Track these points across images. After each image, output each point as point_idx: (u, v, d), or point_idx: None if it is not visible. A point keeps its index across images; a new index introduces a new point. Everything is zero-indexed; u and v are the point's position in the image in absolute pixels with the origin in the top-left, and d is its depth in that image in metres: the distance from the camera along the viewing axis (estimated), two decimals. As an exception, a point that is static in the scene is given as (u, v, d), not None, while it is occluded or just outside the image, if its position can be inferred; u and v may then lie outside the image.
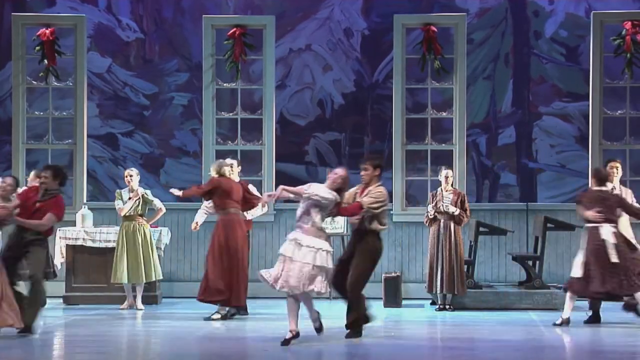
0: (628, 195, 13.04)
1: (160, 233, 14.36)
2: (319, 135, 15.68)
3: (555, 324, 12.15)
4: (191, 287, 14.15)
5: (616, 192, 12.78)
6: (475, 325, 12.49)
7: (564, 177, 15.37)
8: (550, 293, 13.90)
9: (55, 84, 15.81)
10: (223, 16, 15.69)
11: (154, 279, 13.93)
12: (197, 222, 13.37)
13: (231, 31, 15.51)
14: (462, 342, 11.34)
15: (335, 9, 15.71)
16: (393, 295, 14.17)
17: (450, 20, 15.53)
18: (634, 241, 12.33)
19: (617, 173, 13.13)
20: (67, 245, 14.25)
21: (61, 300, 14.28)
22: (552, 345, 11.12)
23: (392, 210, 15.34)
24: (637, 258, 12.07)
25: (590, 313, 12.50)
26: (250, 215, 13.24)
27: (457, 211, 13.65)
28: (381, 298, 14.24)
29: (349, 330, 11.16)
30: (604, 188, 12.24)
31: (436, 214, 13.65)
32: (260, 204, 13.12)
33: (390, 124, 15.55)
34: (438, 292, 13.62)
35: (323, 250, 10.56)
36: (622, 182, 13.57)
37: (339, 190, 10.75)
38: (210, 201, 12.87)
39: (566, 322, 12.13)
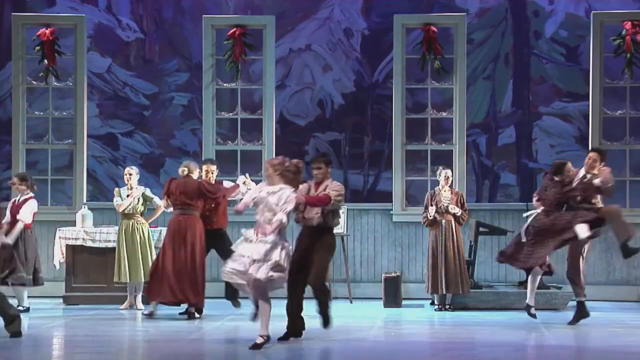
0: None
1: (160, 233, 14.34)
2: (319, 135, 15.68)
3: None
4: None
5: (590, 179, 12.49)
6: (475, 325, 12.48)
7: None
8: (550, 293, 13.90)
9: (55, 84, 15.82)
10: (223, 16, 15.69)
11: (153, 279, 13.91)
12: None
13: (231, 31, 15.51)
14: (462, 342, 11.35)
15: (335, 9, 15.71)
16: (393, 295, 14.17)
17: (450, 20, 15.53)
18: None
19: (594, 163, 12.65)
20: (67, 245, 14.25)
21: (61, 300, 14.28)
22: (552, 345, 11.12)
23: (392, 210, 15.35)
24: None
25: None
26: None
27: (459, 212, 13.67)
28: (381, 298, 14.25)
29: (323, 324, 11.15)
30: (556, 178, 12.30)
31: (436, 214, 13.65)
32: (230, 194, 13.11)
33: (390, 124, 15.55)
34: (444, 292, 13.61)
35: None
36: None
37: (291, 179, 10.64)
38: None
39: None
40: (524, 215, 12.83)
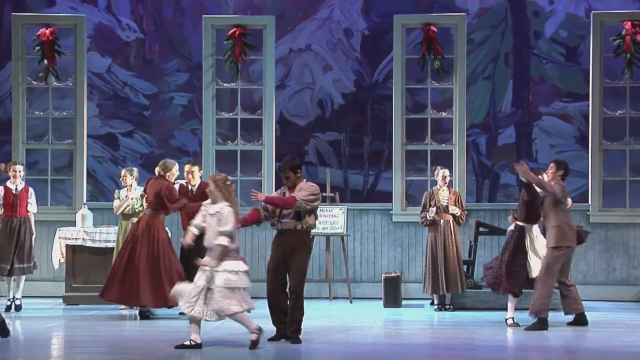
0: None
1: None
2: (319, 135, 15.68)
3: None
4: (191, 287, 14.13)
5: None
6: (475, 325, 12.48)
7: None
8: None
9: (55, 84, 15.82)
10: (223, 16, 15.69)
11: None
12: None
13: (231, 31, 15.51)
14: (462, 342, 11.35)
15: (335, 9, 15.71)
16: (393, 295, 14.16)
17: (450, 20, 15.53)
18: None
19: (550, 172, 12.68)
20: (66, 245, 14.24)
21: (61, 300, 14.28)
22: (552, 345, 11.11)
23: (392, 210, 15.35)
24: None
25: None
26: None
27: (458, 212, 13.68)
28: (381, 298, 14.25)
29: (292, 335, 10.81)
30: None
31: (435, 215, 13.65)
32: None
33: (390, 124, 15.55)
34: (443, 292, 13.61)
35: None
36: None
37: (228, 195, 10.44)
38: None
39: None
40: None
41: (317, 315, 13.12)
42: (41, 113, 15.85)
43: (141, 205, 13.80)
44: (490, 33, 15.59)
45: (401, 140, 15.53)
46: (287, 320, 10.82)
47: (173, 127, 15.78)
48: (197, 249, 10.88)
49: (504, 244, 12.52)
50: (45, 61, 15.57)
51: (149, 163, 15.57)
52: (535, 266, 12.17)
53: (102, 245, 14.18)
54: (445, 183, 13.82)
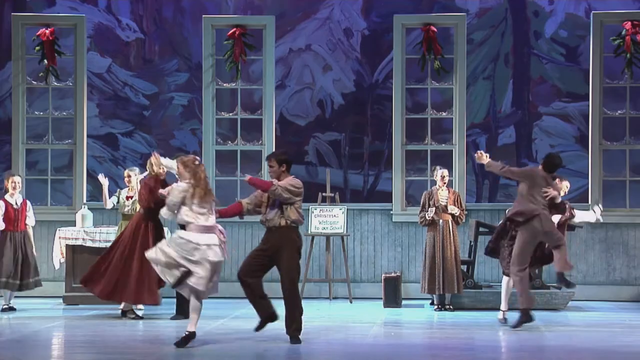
0: None
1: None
2: (318, 135, 15.68)
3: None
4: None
5: None
6: (475, 325, 12.49)
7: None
8: (550, 293, 13.90)
9: (55, 84, 15.82)
10: (223, 16, 15.69)
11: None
12: None
13: (231, 31, 15.51)
14: (462, 342, 11.35)
15: (335, 9, 15.71)
16: (393, 296, 14.16)
17: (450, 20, 15.53)
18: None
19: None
20: (66, 245, 14.24)
21: (61, 300, 14.28)
22: (552, 345, 11.12)
23: (392, 210, 15.36)
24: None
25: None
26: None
27: (457, 211, 13.68)
28: (381, 298, 14.25)
29: (292, 335, 10.79)
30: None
31: (434, 215, 13.65)
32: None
33: (390, 124, 15.55)
34: (441, 292, 13.62)
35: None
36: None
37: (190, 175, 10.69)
38: None
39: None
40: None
41: (317, 315, 13.13)
42: (41, 113, 15.85)
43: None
44: (490, 33, 15.59)
45: (401, 140, 15.53)
46: (286, 320, 10.80)
47: (173, 127, 15.78)
48: None
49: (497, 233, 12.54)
50: (45, 61, 15.57)
51: (149, 163, 15.57)
52: None
53: (102, 245, 14.15)
54: (445, 183, 13.82)
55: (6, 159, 15.71)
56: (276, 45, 15.66)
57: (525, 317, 11.99)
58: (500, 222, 12.75)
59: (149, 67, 15.85)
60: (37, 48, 15.62)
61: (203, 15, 15.65)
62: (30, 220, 13.75)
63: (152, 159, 12.65)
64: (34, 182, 15.53)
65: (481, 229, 14.25)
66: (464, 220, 13.93)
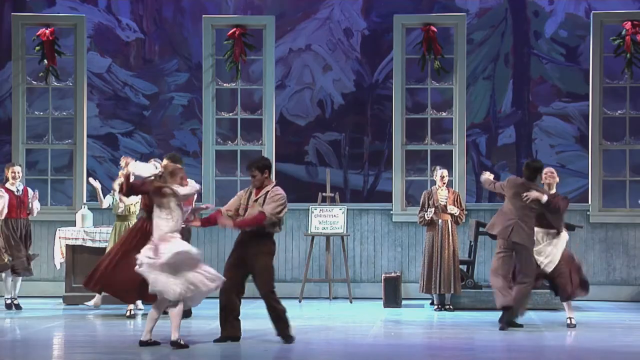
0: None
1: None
2: (318, 135, 15.68)
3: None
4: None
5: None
6: (475, 325, 12.49)
7: (564, 178, 15.32)
8: (550, 293, 13.88)
9: (55, 84, 15.82)
10: (223, 16, 15.69)
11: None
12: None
13: (231, 31, 15.51)
14: (462, 342, 11.35)
15: (335, 9, 15.71)
16: (393, 296, 14.17)
17: (450, 20, 15.52)
18: None
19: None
20: (66, 245, 14.24)
21: (61, 300, 14.28)
22: (552, 345, 11.12)
23: (392, 210, 15.35)
24: None
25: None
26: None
27: (457, 211, 13.69)
28: (381, 298, 14.25)
29: (284, 336, 10.76)
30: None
31: (433, 215, 13.65)
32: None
33: (390, 124, 15.55)
34: (439, 292, 13.62)
35: None
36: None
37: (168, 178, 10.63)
38: None
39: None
40: None
41: (317, 315, 13.14)
42: (41, 113, 15.85)
43: (135, 205, 13.79)
44: (490, 33, 15.59)
45: (401, 140, 15.53)
46: (272, 323, 10.74)
47: (173, 127, 15.78)
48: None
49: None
50: (45, 61, 15.58)
51: (149, 163, 15.57)
52: (544, 261, 12.16)
53: (102, 245, 14.16)
54: (444, 183, 13.82)
55: (6, 159, 15.70)
56: (276, 45, 15.66)
57: (509, 316, 12.03)
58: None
59: (149, 67, 15.85)
60: (37, 48, 15.62)
61: (203, 15, 15.65)
62: (36, 204, 13.76)
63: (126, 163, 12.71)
64: (34, 182, 15.51)
65: (481, 229, 14.23)
66: (463, 220, 13.95)
